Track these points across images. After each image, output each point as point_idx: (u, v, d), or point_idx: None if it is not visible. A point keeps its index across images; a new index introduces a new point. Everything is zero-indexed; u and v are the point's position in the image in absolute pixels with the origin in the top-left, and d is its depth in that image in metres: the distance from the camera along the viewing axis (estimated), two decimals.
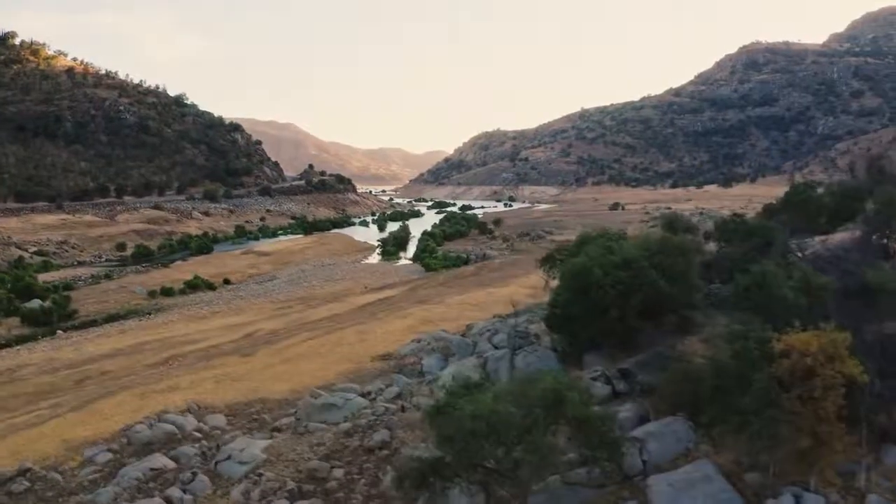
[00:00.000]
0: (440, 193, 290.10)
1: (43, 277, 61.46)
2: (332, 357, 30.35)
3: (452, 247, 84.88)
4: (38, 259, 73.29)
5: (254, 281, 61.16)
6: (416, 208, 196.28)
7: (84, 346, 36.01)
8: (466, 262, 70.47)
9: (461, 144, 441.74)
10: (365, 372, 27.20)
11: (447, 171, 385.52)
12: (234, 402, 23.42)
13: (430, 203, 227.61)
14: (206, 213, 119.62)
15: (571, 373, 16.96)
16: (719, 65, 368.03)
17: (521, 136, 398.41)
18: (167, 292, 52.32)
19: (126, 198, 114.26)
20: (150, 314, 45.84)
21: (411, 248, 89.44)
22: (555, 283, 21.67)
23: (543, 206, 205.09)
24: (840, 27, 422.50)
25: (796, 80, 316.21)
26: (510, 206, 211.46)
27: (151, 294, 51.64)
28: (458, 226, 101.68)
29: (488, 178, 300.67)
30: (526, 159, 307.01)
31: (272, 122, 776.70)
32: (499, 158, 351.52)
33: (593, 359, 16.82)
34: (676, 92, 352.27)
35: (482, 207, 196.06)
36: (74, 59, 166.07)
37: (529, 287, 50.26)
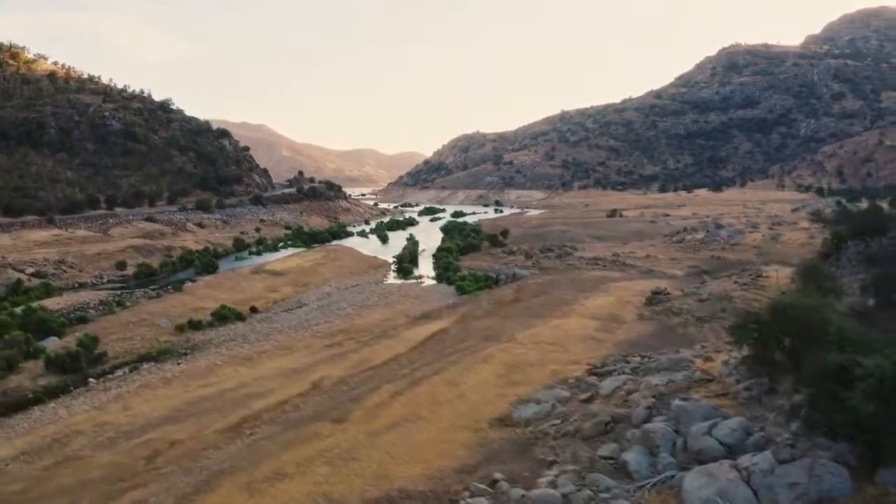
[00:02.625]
0: (424, 197, 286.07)
1: (48, 304, 56.68)
2: (440, 421, 26.57)
3: (470, 263, 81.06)
4: (36, 281, 68.19)
5: (281, 308, 56.73)
6: (406, 214, 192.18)
7: (131, 402, 31.65)
8: (496, 282, 66.79)
9: (440, 147, 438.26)
10: (494, 445, 23.51)
11: (427, 173, 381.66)
12: (369, 496, 19.44)
13: (419, 208, 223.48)
14: (200, 225, 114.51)
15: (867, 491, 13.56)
16: (699, 67, 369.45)
17: (500, 138, 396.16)
18: (195, 325, 47.83)
19: (117, 209, 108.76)
20: (185, 354, 41.38)
21: (422, 263, 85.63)
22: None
23: (534, 212, 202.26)
24: (816, 29, 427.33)
25: (777, 82, 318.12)
26: (500, 211, 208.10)
27: (179, 328, 47.07)
28: (469, 238, 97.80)
29: (473, 181, 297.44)
30: (510, 162, 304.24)
31: (244, 123, 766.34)
32: (480, 161, 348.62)
33: (892, 475, 13.32)
34: (657, 94, 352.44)
35: (473, 213, 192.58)
36: (55, 63, 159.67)
37: (592, 318, 46.99)
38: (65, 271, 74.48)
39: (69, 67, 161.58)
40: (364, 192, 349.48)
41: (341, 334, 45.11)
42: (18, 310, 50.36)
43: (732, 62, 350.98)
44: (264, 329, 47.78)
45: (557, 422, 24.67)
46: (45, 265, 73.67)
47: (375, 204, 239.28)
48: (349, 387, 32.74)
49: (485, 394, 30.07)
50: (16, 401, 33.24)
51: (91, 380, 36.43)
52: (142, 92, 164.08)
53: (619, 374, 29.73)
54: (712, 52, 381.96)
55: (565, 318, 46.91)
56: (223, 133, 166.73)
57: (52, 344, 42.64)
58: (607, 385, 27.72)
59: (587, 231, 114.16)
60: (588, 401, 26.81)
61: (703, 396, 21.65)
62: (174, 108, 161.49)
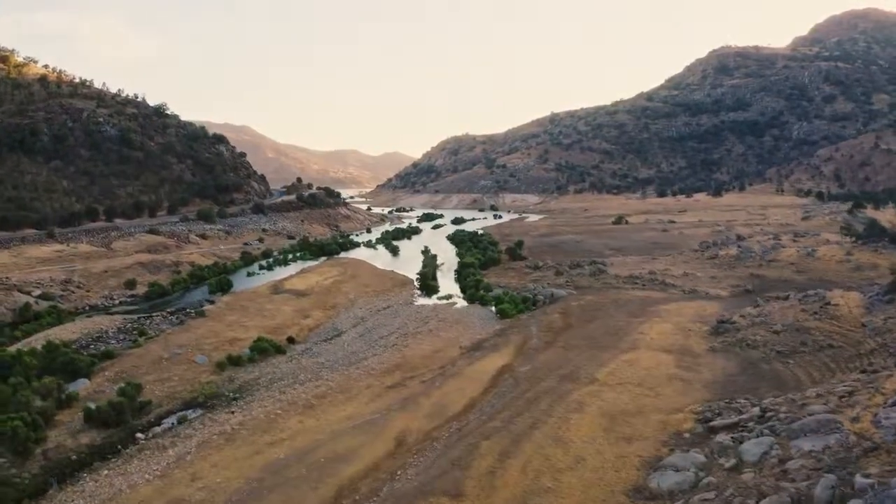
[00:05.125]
0: (417, 201, 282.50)
1: (62, 334, 52.68)
2: (570, 493, 23.82)
3: (496, 279, 77.60)
4: (44, 304, 63.87)
5: (319, 337, 52.83)
6: (404, 221, 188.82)
7: (197, 467, 27.90)
8: (535, 303, 63.44)
9: (429, 149, 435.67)
10: None
11: (416, 176, 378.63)
12: None
13: (415, 214, 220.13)
14: (203, 236, 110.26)
15: None
16: (690, 69, 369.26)
17: (490, 140, 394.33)
18: (235, 362, 43.93)
19: (117, 220, 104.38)
20: (235, 399, 37.53)
21: (442, 278, 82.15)
22: None
23: (534, 217, 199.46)
24: (803, 30, 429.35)
25: (768, 84, 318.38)
26: (499, 217, 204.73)
27: (219, 366, 43.09)
28: (489, 252, 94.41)
29: (466, 185, 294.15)
30: (503, 166, 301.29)
31: (227, 124, 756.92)
32: (470, 164, 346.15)
33: None
34: (649, 96, 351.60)
35: (473, 219, 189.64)
36: (46, 67, 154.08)
37: (663, 350, 44.15)
38: (72, 292, 70.18)
39: (60, 71, 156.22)
40: (352, 195, 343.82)
41: (398, 371, 41.56)
42: (38, 345, 46.35)
43: (723, 64, 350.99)
44: (311, 365, 44.05)
45: (710, 496, 21.90)
46: (51, 286, 69.35)
47: (368, 208, 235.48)
48: (442, 445, 29.36)
49: (602, 454, 27.05)
50: (59, 465, 29.34)
51: (139, 435, 32.56)
52: (135, 96, 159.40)
53: (755, 434, 26.95)
54: (702, 53, 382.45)
55: (634, 352, 43.88)
56: (220, 139, 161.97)
57: (82, 388, 38.69)
58: (751, 450, 25.15)
59: (602, 241, 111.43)
60: (735, 469, 24.08)
61: (884, 472, 18.71)
62: (169, 113, 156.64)
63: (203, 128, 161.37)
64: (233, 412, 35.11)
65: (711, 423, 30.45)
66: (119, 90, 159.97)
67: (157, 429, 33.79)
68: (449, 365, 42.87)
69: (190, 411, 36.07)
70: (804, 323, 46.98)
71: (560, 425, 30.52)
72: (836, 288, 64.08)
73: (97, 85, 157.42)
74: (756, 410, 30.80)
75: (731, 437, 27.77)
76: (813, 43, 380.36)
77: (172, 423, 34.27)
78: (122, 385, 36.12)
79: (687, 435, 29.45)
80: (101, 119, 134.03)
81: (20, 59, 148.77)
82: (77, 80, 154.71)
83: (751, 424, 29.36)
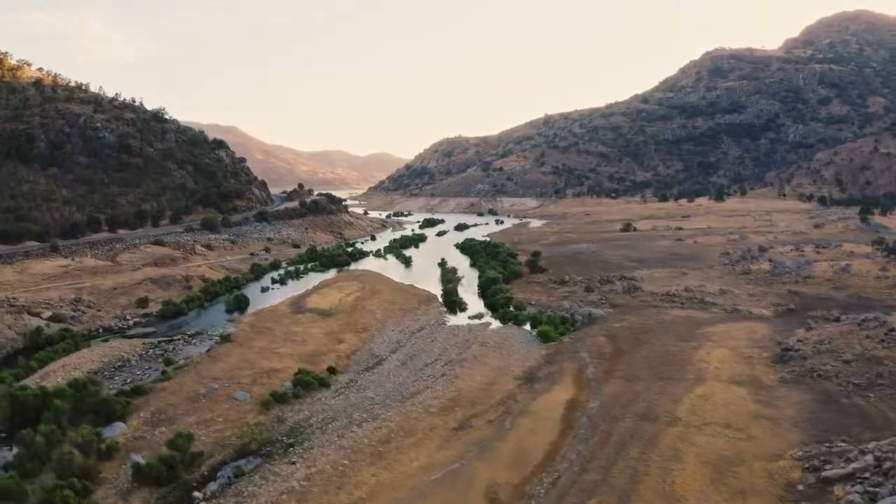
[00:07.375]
0: (414, 205, 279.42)
1: (80, 363, 49.65)
2: None
3: (522, 295, 74.96)
4: (55, 326, 60.52)
5: (360, 366, 49.76)
6: (405, 226, 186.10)
7: None
8: (573, 323, 60.93)
9: (421, 150, 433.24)
10: None
11: (409, 178, 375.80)
12: None
13: (414, 218, 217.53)
14: (209, 247, 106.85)
15: None
16: (684, 71, 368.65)
17: (483, 142, 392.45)
18: (280, 398, 40.79)
19: (120, 231, 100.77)
20: (291, 445, 34.53)
21: (462, 292, 79.43)
22: None
23: (536, 223, 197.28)
24: (794, 32, 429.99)
25: (763, 86, 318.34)
26: (501, 222, 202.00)
27: (264, 404, 39.98)
28: (510, 265, 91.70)
29: (463, 188, 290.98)
30: (500, 169, 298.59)
31: (214, 125, 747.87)
32: (464, 166, 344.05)
33: None
34: (644, 98, 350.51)
35: (475, 225, 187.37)
36: (41, 70, 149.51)
37: (731, 382, 42.05)
38: (83, 312, 66.75)
39: (56, 74, 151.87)
40: (345, 198, 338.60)
41: (457, 408, 38.73)
42: (60, 378, 43.25)
43: (717, 66, 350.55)
44: (361, 401, 41.07)
45: None
46: (61, 306, 65.94)
47: (365, 212, 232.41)
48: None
49: None
50: None
51: (196, 494, 29.45)
52: (132, 100, 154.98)
53: (888, 491, 24.87)
54: (695, 55, 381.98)
55: (704, 384, 41.36)
56: (219, 143, 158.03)
57: (119, 432, 35.51)
58: None
59: (620, 252, 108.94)
60: None
61: None
62: (168, 117, 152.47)
63: (202, 132, 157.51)
64: (293, 462, 32.11)
65: (824, 474, 28.10)
66: (116, 94, 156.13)
67: (213, 485, 30.68)
68: (510, 400, 40.11)
69: (244, 461, 33.06)
70: (873, 352, 44.83)
71: (663, 478, 27.97)
72: (879, 305, 62.25)
73: (93, 88, 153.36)
74: (869, 459, 28.54)
75: (858, 493, 25.69)
76: (805, 45, 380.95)
77: (229, 477, 31.21)
78: (173, 437, 32.91)
79: (801, 487, 27.21)
80: (98, 124, 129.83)
81: (14, 63, 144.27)
82: (73, 84, 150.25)
83: (869, 476, 27.31)
